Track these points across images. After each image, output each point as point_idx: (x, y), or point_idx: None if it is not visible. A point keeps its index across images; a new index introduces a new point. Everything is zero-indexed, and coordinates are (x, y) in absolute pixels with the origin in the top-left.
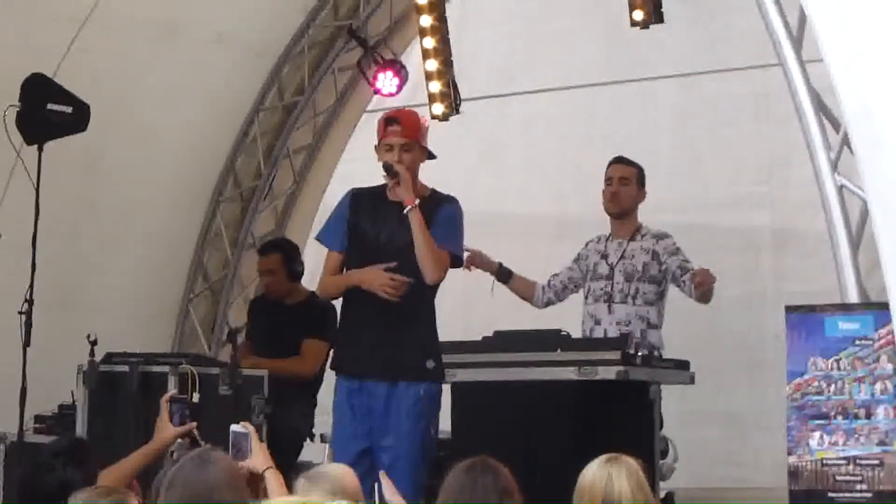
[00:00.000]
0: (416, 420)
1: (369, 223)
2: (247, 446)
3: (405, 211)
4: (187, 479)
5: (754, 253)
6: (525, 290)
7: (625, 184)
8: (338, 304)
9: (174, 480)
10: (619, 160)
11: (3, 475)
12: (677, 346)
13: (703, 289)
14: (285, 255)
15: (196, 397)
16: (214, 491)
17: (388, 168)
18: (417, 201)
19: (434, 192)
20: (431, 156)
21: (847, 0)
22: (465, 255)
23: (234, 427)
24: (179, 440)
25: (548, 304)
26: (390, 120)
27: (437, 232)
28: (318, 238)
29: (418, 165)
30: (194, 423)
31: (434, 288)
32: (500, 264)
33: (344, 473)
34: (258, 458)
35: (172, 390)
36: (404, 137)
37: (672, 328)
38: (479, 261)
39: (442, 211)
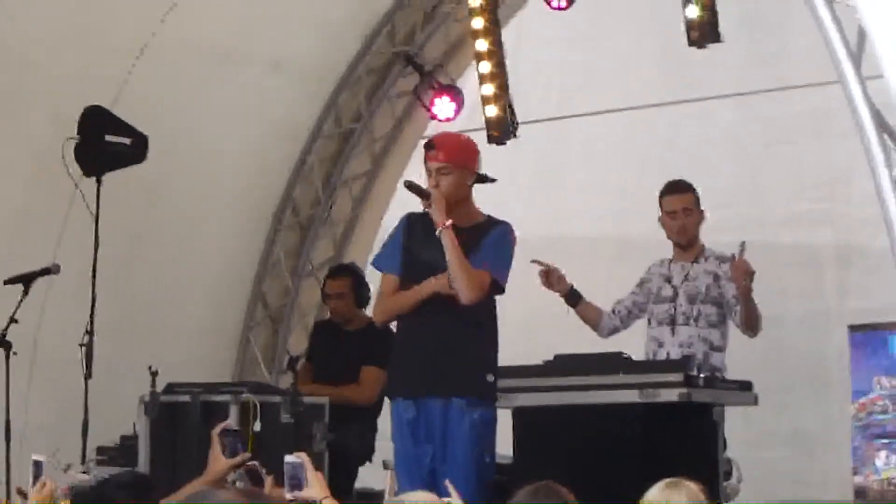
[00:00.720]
0: (471, 446)
1: (421, 246)
2: (302, 476)
3: (437, 233)
4: None
5: (816, 270)
6: (592, 317)
7: (689, 214)
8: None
9: None
10: (673, 189)
11: None
12: (740, 365)
13: (737, 283)
14: (355, 279)
15: (257, 426)
16: None
17: (409, 188)
18: (450, 222)
19: (490, 218)
20: (484, 178)
21: None
22: (539, 269)
23: (288, 458)
24: (239, 471)
25: (613, 331)
26: (427, 145)
27: (481, 254)
28: (373, 263)
29: (462, 188)
30: (248, 455)
31: (487, 306)
32: (572, 286)
33: (425, 502)
34: (315, 488)
35: (225, 423)
36: (441, 161)
37: (735, 347)
38: (552, 278)
39: (491, 234)
